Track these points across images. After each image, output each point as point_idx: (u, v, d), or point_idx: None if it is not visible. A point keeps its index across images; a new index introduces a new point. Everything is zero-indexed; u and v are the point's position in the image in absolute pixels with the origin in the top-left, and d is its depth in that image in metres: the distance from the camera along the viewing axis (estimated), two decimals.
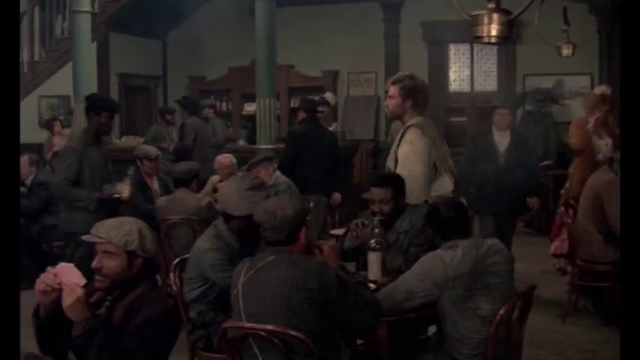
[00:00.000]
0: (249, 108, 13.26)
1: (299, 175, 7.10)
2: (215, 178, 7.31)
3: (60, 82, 12.34)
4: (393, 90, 4.75)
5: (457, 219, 3.69)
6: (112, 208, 5.87)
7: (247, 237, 4.01)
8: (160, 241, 5.85)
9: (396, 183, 4.34)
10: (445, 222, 3.68)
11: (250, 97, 12.99)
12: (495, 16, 2.74)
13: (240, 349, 3.22)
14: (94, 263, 2.97)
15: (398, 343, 3.64)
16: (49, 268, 2.89)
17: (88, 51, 9.14)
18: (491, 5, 2.78)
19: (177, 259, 4.33)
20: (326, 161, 7.51)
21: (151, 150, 7.08)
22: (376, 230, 4.04)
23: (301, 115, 7.89)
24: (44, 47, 12.85)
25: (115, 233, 2.95)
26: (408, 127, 4.64)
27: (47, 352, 3.07)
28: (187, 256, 4.30)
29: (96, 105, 5.83)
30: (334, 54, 12.77)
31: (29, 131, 12.07)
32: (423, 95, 4.77)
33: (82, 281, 2.84)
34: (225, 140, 11.17)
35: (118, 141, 11.86)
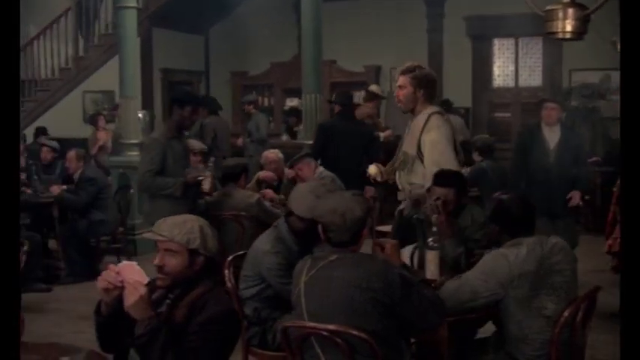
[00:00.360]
0: (291, 103, 13.25)
1: (329, 168, 7.02)
2: (262, 173, 7.29)
3: (104, 78, 12.48)
4: (403, 80, 4.78)
5: (526, 216, 3.62)
6: (194, 198, 5.89)
7: (307, 239, 3.96)
8: None
9: (459, 182, 4.29)
10: (514, 219, 3.61)
11: (292, 92, 13.02)
12: (570, 11, 2.65)
13: (301, 349, 3.19)
14: (156, 261, 2.95)
15: (457, 344, 3.59)
16: (111, 266, 2.87)
17: (133, 46, 9.17)
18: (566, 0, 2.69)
19: (231, 256, 4.30)
20: (358, 155, 7.37)
21: (196, 144, 7.08)
22: (434, 229, 3.98)
23: (337, 108, 7.86)
24: (88, 43, 12.95)
25: (177, 231, 2.92)
26: (432, 114, 4.71)
27: (108, 350, 3.06)
28: (241, 252, 4.29)
29: (179, 98, 5.86)
30: (377, 49, 12.69)
31: (74, 126, 12.26)
32: (434, 85, 4.82)
33: (145, 279, 2.81)
34: (268, 135, 11.17)
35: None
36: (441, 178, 4.37)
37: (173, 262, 2.92)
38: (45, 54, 12.88)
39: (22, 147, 9.69)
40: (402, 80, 4.78)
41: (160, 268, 2.93)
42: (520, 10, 12.19)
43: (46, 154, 8.90)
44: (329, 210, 3.24)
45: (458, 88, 12.43)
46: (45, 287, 7.29)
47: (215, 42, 14.36)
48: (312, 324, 3.08)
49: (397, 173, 4.98)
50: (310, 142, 8.16)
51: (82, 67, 12.78)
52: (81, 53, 12.92)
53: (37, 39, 12.94)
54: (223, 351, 2.93)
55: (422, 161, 4.66)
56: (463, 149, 8.52)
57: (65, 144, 9.77)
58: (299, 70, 13.27)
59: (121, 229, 8.16)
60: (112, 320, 2.94)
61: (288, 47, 13.53)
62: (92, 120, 11.52)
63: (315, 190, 3.92)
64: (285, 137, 11.33)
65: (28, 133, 11.99)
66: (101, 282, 2.85)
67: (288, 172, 6.97)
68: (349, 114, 7.83)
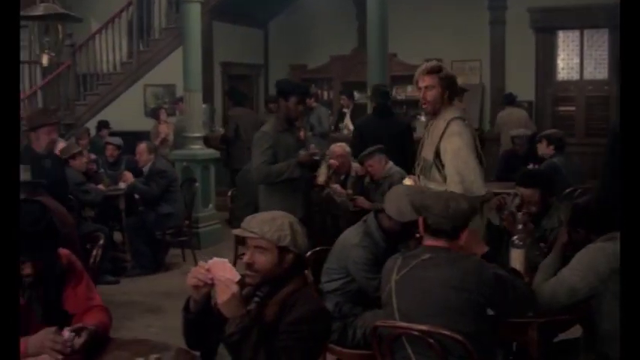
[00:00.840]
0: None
1: None
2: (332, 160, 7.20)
3: (164, 71, 12.54)
4: (431, 80, 4.47)
5: (608, 211, 3.48)
6: (306, 190, 5.77)
7: (396, 237, 3.94)
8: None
9: (544, 183, 4.17)
10: (598, 218, 3.48)
11: (351, 86, 12.94)
12: None
13: (392, 349, 3.11)
14: (245, 258, 2.90)
15: (547, 345, 3.49)
16: (200, 262, 2.84)
17: (197, 40, 9.18)
18: None
19: (310, 251, 4.25)
20: (395, 151, 7.11)
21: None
22: (519, 226, 3.88)
23: (373, 104, 7.77)
24: (149, 37, 13.04)
25: (268, 228, 2.87)
26: (452, 119, 4.42)
27: (194, 347, 3.02)
28: (319, 248, 4.24)
29: (284, 90, 5.67)
30: (437, 42, 12.54)
31: (135, 119, 12.35)
32: (456, 86, 4.62)
33: (237, 276, 2.76)
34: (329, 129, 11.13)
35: (221, 129, 11.98)
36: (526, 178, 4.25)
37: (263, 260, 2.87)
38: (107, 48, 12.99)
39: (85, 141, 9.79)
40: (429, 80, 4.47)
41: (250, 266, 2.88)
42: (585, 2, 12.09)
43: (111, 152, 8.99)
44: (433, 196, 3.17)
45: (520, 82, 12.23)
46: (113, 279, 7.35)
47: (274, 35, 14.36)
48: (404, 324, 3.01)
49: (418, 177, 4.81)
50: None
51: (142, 61, 12.85)
52: (142, 47, 13.00)
53: (99, 33, 13.06)
54: (314, 350, 2.87)
55: (438, 169, 4.44)
56: (530, 143, 8.46)
57: (126, 137, 9.88)
58: (359, 63, 13.30)
59: (186, 222, 8.17)
60: (200, 317, 2.91)
61: (348, 40, 13.46)
62: (154, 113, 11.58)
63: (412, 194, 3.83)
64: (346, 131, 11.23)
65: (90, 126, 12.13)
66: (191, 279, 2.81)
67: (358, 168, 6.88)
68: (385, 110, 7.66)
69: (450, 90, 4.50)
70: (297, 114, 5.74)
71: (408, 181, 4.88)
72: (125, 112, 12.45)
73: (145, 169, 7.91)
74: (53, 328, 2.84)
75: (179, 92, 11.89)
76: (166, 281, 7.58)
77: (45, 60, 10.15)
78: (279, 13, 14.12)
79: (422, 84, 4.49)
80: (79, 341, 2.82)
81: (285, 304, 2.83)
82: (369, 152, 6.57)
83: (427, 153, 4.55)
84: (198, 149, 9.19)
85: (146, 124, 11.97)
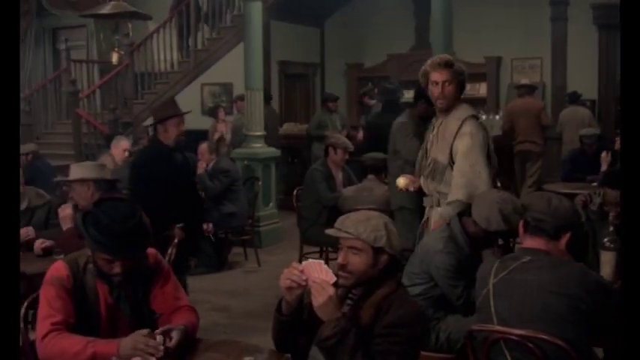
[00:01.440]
0: (408, 95, 12.99)
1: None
2: None
3: (221, 70, 12.56)
4: (446, 75, 4.26)
5: None
6: None
7: (479, 244, 3.84)
8: None
9: None
10: None
11: (409, 85, 12.79)
12: None
13: (488, 354, 3.01)
14: (339, 259, 2.83)
15: None
16: (294, 263, 2.78)
17: (258, 39, 9.16)
18: None
19: None
20: None
21: (349, 143, 7.03)
22: (610, 228, 3.74)
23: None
24: (205, 36, 13.07)
25: (363, 229, 2.79)
26: (466, 118, 4.28)
27: (283, 349, 2.95)
28: None
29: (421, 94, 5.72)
30: (497, 39, 12.36)
31: (193, 118, 12.33)
32: (465, 81, 4.40)
33: (332, 278, 2.70)
34: None
35: (279, 128, 11.95)
36: (614, 178, 4.11)
37: (357, 261, 2.80)
38: (164, 47, 13.06)
39: (145, 140, 9.84)
40: (444, 75, 4.26)
41: (343, 267, 2.81)
42: None
43: None
44: (535, 195, 3.08)
45: (582, 80, 11.96)
46: (179, 277, 7.34)
47: (331, 34, 14.30)
48: (502, 328, 2.91)
49: (423, 179, 4.60)
50: None
51: (199, 60, 12.90)
52: (199, 46, 13.04)
53: (157, 33, 13.14)
54: (411, 354, 2.80)
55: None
56: (598, 142, 8.25)
57: (184, 135, 9.88)
58: (416, 61, 13.14)
59: (248, 220, 8.15)
60: (292, 319, 2.85)
61: (405, 38, 13.35)
62: (213, 112, 11.62)
63: (502, 204, 3.69)
64: None
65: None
66: (284, 281, 2.75)
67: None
68: (393, 108, 7.71)
69: (462, 85, 4.36)
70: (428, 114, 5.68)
71: (402, 180, 4.71)
72: (183, 110, 12.47)
73: (208, 168, 7.91)
74: (145, 331, 2.80)
75: (236, 91, 11.94)
76: (230, 280, 7.58)
77: (115, 58, 10.24)
78: (336, 11, 14.06)
79: (438, 78, 4.28)
80: (171, 343, 2.78)
81: (381, 306, 2.76)
82: None
83: (439, 154, 4.37)
84: (259, 148, 9.17)
85: (203, 123, 11.98)
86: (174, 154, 5.56)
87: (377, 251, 2.79)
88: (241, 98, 10.93)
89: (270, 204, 9.29)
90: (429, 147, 4.50)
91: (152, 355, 2.74)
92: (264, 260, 8.09)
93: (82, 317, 2.98)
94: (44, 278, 3.01)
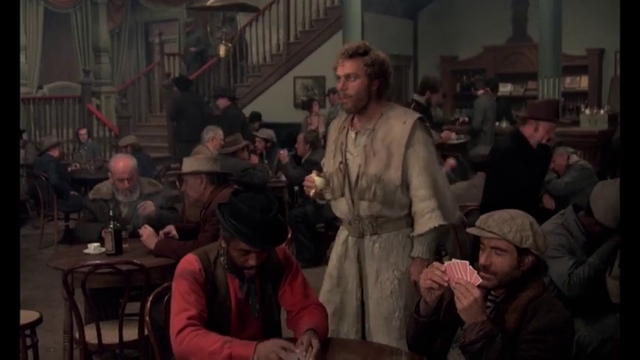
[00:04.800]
0: (504, 89, 12.77)
1: None
2: None
3: (314, 63, 12.57)
4: (353, 66, 3.42)
5: None
6: None
7: (595, 237, 3.76)
8: (455, 228, 5.70)
9: None
10: None
11: (505, 78, 12.58)
12: None
13: None
14: (482, 260, 2.75)
15: None
16: (435, 263, 2.72)
17: (357, 28, 9.15)
18: None
19: None
20: None
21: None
22: None
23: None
24: (299, 29, 13.11)
25: (508, 228, 2.71)
26: (415, 122, 3.48)
27: (420, 352, 2.89)
28: None
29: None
30: (600, 30, 11.94)
31: (285, 111, 12.45)
32: (389, 75, 3.52)
33: (478, 280, 2.63)
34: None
35: None
36: None
37: (500, 262, 2.71)
38: (257, 40, 13.15)
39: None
40: (350, 66, 3.42)
41: (486, 268, 2.73)
42: None
43: (259, 145, 9.09)
44: None
45: None
46: None
47: (424, 26, 14.15)
48: None
49: (343, 201, 3.62)
50: None
51: (292, 53, 12.95)
52: (291, 39, 13.09)
53: (249, 26, 13.25)
54: None
55: (402, 190, 3.49)
56: None
57: (278, 129, 9.96)
58: (514, 53, 12.94)
59: None
60: (430, 321, 2.79)
61: (502, 30, 13.09)
62: (307, 105, 11.65)
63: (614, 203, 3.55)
64: (505, 124, 10.85)
65: None
66: (425, 281, 2.70)
67: None
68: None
69: (382, 81, 3.47)
70: None
71: (319, 179, 3.60)
72: (275, 103, 12.58)
73: (303, 160, 7.92)
74: (284, 342, 2.77)
75: (329, 84, 11.94)
76: None
77: (222, 51, 10.35)
78: (429, 3, 13.90)
79: (345, 71, 3.44)
80: (311, 355, 2.73)
81: (526, 310, 2.68)
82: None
83: (383, 169, 3.47)
84: None
85: (296, 116, 12.06)
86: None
87: (522, 252, 2.71)
88: (335, 91, 10.94)
89: None
90: (352, 159, 3.57)
91: None
92: None
93: (213, 312, 2.97)
94: (176, 272, 3.03)
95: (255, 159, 8.34)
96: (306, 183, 3.62)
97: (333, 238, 8.09)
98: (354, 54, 3.42)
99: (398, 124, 3.47)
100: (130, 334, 4.17)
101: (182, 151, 9.93)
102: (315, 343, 2.78)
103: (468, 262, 2.66)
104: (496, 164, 5.26)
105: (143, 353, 4.14)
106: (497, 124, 10.14)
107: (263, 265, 2.99)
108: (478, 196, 5.81)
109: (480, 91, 10.17)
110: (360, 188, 3.50)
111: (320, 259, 7.98)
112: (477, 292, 2.59)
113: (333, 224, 8.17)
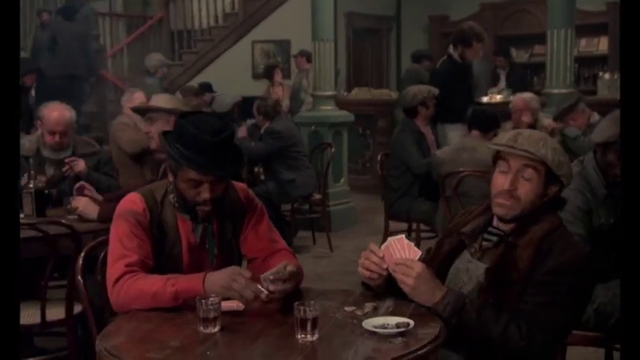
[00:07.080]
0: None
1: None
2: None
3: (276, 25, 12.58)
4: None
5: None
6: None
7: (617, 186, 3.82)
8: (447, 199, 5.78)
9: None
10: None
11: (507, 40, 12.70)
12: None
13: None
14: (507, 184, 2.79)
15: None
16: (371, 245, 2.84)
17: None
18: None
19: None
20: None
21: (433, 87, 7.04)
22: None
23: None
24: None
25: (545, 149, 2.75)
26: None
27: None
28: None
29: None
30: None
31: (242, 82, 12.39)
32: None
33: (417, 253, 2.74)
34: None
35: (345, 93, 11.92)
36: None
37: (527, 187, 2.79)
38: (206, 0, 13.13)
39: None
40: None
41: (511, 192, 2.78)
42: None
43: None
44: None
45: None
46: None
47: None
48: None
49: None
50: (559, 90, 8.28)
51: (250, 12, 12.92)
52: None
53: None
54: (578, 309, 2.81)
55: None
56: None
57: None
58: (517, 12, 13.04)
59: (317, 196, 8.12)
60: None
61: None
62: (268, 73, 11.62)
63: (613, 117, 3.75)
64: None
65: None
66: (362, 271, 2.81)
67: (552, 125, 6.74)
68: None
69: None
70: None
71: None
72: (229, 73, 12.56)
73: (262, 131, 7.97)
74: (241, 269, 2.79)
75: (294, 50, 11.94)
76: None
77: None
78: None
79: None
80: (285, 286, 2.78)
81: (541, 247, 2.75)
82: (570, 105, 6.64)
83: None
84: (330, 111, 9.13)
85: (255, 88, 12.01)
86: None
87: (550, 180, 2.79)
88: (304, 54, 10.97)
89: (342, 180, 9.27)
90: None
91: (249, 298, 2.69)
92: (335, 245, 8.06)
93: (161, 260, 2.98)
94: (115, 212, 3.02)
95: None
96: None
97: (300, 223, 8.21)
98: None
99: None
100: (57, 312, 4.15)
101: None
102: (290, 267, 2.83)
103: (404, 236, 2.78)
104: None
105: (72, 335, 4.11)
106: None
107: (220, 204, 3.00)
108: (471, 161, 5.88)
109: None
110: None
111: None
112: (418, 266, 2.67)
113: (300, 207, 8.23)
